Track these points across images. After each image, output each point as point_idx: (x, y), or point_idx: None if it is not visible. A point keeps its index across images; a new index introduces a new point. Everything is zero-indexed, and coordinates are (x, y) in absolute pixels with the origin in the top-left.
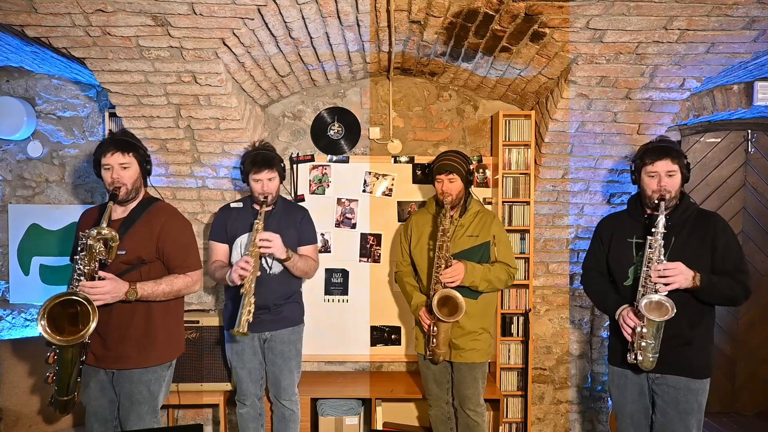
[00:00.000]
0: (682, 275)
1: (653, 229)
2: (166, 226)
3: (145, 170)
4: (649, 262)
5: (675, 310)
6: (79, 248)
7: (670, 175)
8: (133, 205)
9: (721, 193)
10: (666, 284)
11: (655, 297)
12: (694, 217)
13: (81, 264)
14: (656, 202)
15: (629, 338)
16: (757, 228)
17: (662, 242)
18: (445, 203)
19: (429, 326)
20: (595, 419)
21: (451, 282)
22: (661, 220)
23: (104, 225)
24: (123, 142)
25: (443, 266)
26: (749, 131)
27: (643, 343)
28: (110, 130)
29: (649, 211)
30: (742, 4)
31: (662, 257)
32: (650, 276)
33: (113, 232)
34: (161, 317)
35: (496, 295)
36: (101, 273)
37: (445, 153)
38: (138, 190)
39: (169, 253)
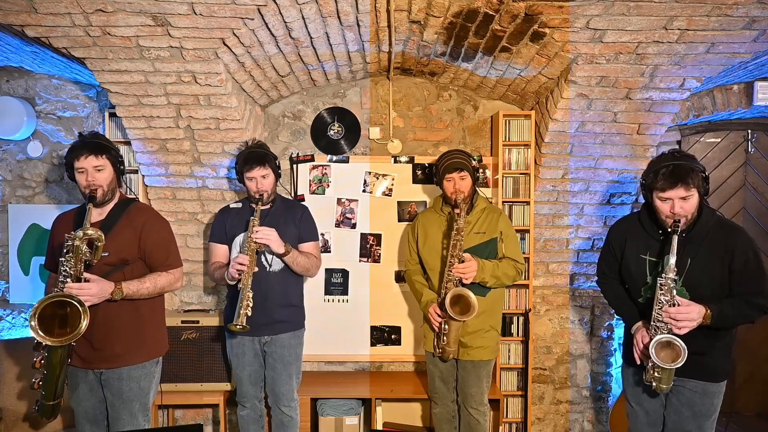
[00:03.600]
0: (695, 321)
1: (662, 273)
2: (148, 226)
3: (119, 171)
4: (659, 303)
5: (686, 353)
6: (64, 250)
7: (685, 200)
8: (110, 206)
9: (721, 193)
10: (679, 328)
11: (665, 338)
12: (714, 231)
13: (67, 266)
14: (670, 230)
15: (638, 360)
16: (757, 228)
17: (673, 285)
18: (458, 201)
19: (440, 324)
20: (595, 419)
21: (465, 277)
22: (672, 263)
23: (88, 226)
24: (95, 144)
25: (456, 263)
26: (749, 131)
27: (657, 375)
28: (80, 133)
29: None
30: (742, 4)
31: (674, 300)
32: (661, 315)
33: (99, 232)
34: (148, 313)
35: (504, 292)
36: (86, 275)
37: (449, 152)
38: (114, 191)
39: (152, 252)
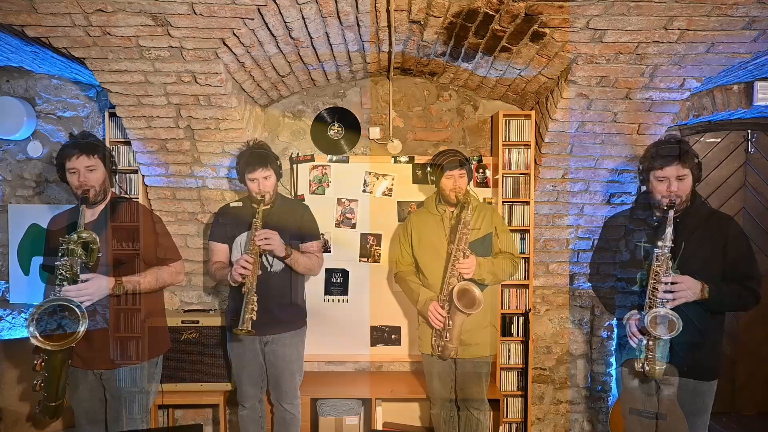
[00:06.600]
0: (689, 290)
1: (659, 242)
2: (141, 225)
3: (111, 170)
4: (655, 275)
5: (681, 326)
6: (60, 254)
7: (680, 179)
8: (102, 206)
9: (721, 193)
10: (673, 299)
11: (662, 311)
12: (706, 219)
13: (63, 269)
14: (666, 208)
15: (635, 345)
16: (757, 228)
17: (669, 255)
18: (459, 199)
19: (444, 320)
20: (595, 419)
21: (465, 273)
22: (669, 234)
23: (82, 228)
24: (87, 144)
25: (461, 257)
26: (749, 131)
27: (650, 356)
28: (71, 133)
29: (658, 213)
30: (742, 4)
31: (669, 270)
32: (657, 289)
33: (93, 235)
34: (146, 314)
35: (497, 289)
36: (83, 276)
37: (446, 152)
38: (105, 191)
39: (147, 249)
